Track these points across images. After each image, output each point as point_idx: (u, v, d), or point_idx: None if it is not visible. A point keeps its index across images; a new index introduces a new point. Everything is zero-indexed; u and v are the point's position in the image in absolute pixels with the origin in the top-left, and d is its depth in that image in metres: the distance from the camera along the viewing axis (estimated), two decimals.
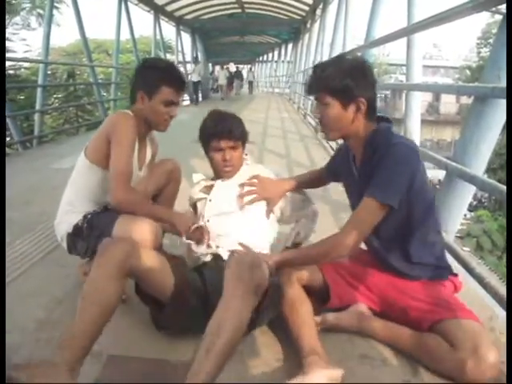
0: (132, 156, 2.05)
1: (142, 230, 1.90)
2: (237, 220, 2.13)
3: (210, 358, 1.37)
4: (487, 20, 28.95)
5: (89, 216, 2.11)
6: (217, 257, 2.01)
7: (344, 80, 1.71)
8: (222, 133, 2.13)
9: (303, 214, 2.35)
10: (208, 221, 2.12)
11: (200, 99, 20.21)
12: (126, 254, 1.56)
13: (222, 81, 22.39)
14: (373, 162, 1.74)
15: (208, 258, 2.03)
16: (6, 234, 2.60)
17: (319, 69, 1.81)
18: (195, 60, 19.02)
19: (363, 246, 2.11)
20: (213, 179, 2.28)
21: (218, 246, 2.03)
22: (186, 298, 1.77)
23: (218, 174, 2.24)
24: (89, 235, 2.06)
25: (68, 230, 2.11)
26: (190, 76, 17.78)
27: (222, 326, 1.42)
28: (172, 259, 1.85)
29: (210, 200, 2.20)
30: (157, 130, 2.21)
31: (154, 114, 2.10)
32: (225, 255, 1.98)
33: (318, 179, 2.35)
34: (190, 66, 19.43)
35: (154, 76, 2.06)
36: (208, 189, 2.25)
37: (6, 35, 18.19)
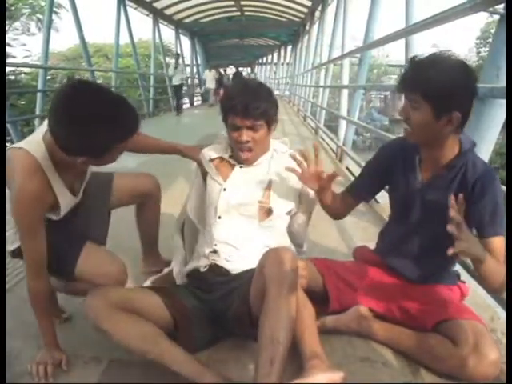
0: (38, 230, 1.62)
1: (109, 272, 1.81)
2: (252, 231, 1.91)
3: (276, 367, 1.37)
4: (486, 19, 28.89)
5: None
6: (214, 267, 1.89)
7: (445, 88, 1.52)
8: (237, 108, 1.80)
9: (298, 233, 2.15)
10: (220, 217, 1.92)
11: (195, 104, 19.35)
12: (106, 301, 1.55)
13: (210, 84, 18.87)
14: (467, 186, 1.65)
15: (204, 268, 1.90)
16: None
17: (419, 66, 1.58)
18: (176, 58, 15.24)
19: (371, 245, 2.13)
20: (232, 156, 2.00)
21: (227, 260, 1.87)
22: (189, 324, 1.74)
23: (237, 155, 1.96)
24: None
25: (11, 246, 1.82)
26: (169, 78, 15.10)
27: (278, 331, 1.42)
28: (159, 290, 1.80)
29: (225, 189, 1.93)
30: None
31: (104, 164, 1.62)
32: (235, 270, 1.85)
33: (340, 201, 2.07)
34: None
35: (99, 138, 1.43)
36: (223, 165, 2.00)
37: (6, 40, 18.23)
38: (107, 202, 2.08)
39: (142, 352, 1.53)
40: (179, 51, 19.40)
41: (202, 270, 1.91)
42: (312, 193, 2.01)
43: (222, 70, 22.70)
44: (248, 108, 1.78)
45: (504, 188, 1.74)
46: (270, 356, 1.38)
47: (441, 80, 1.52)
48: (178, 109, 14.92)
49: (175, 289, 1.91)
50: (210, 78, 18.88)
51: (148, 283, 2.09)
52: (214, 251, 1.90)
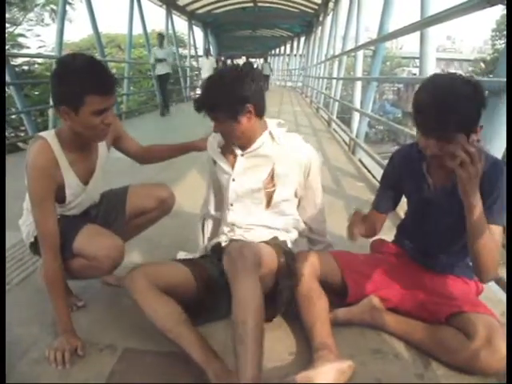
0: (48, 205, 1.78)
1: (104, 246, 1.84)
2: (261, 215, 1.99)
3: (249, 345, 1.44)
4: (502, 11, 28.55)
5: None
6: (234, 241, 1.98)
7: (473, 119, 1.51)
8: (198, 110, 1.87)
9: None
10: (232, 205, 2.01)
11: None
12: (146, 277, 1.70)
13: (207, 73, 12.88)
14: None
15: (224, 242, 2.02)
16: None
17: (441, 108, 1.49)
18: (161, 40, 11.09)
19: (386, 239, 2.15)
20: (234, 143, 1.98)
21: (242, 236, 1.98)
22: (213, 294, 1.89)
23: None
24: None
25: (29, 239, 1.96)
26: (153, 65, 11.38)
27: (242, 314, 1.49)
28: (189, 263, 1.92)
29: (234, 179, 1.98)
30: (94, 142, 1.92)
31: (86, 129, 1.74)
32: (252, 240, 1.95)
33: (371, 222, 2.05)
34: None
35: (73, 85, 1.64)
36: (229, 153, 2.01)
37: (21, 31, 18.31)
38: (122, 213, 2.15)
39: (163, 328, 1.65)
40: (198, 45, 18.26)
41: (224, 244, 2.02)
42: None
43: (227, 60, 21.45)
44: (199, 105, 1.85)
45: None
46: (240, 337, 1.47)
47: (472, 113, 1.50)
48: (165, 106, 11.55)
49: (203, 260, 2.03)
50: (206, 66, 15.02)
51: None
52: (231, 230, 2.02)
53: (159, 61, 10.73)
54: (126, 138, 2.16)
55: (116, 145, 2.12)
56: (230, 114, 1.84)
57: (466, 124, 1.50)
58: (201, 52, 22.03)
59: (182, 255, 2.17)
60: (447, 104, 1.49)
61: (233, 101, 1.81)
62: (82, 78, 1.65)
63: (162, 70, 10.87)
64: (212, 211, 2.17)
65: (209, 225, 2.21)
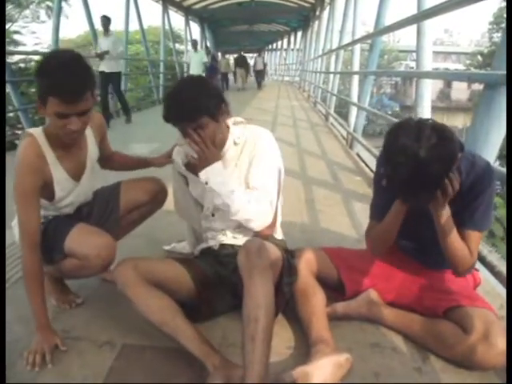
0: (32, 201, 1.76)
1: (95, 245, 1.81)
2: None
3: (258, 343, 1.43)
4: (499, 4, 28.51)
5: (41, 226, 1.87)
6: (225, 245, 2.00)
7: (454, 165, 1.45)
8: (174, 119, 1.76)
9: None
10: (213, 215, 1.99)
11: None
12: (135, 270, 1.67)
13: (196, 69, 12.50)
14: (461, 186, 1.56)
15: (215, 246, 2.01)
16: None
17: (420, 181, 1.43)
18: (106, 25, 8.24)
19: None
20: None
21: (234, 237, 1.99)
22: (211, 293, 1.88)
23: None
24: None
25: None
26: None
27: (255, 310, 1.48)
28: (183, 261, 1.91)
29: (207, 183, 1.83)
30: (64, 141, 1.81)
31: (53, 127, 1.74)
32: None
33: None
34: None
35: (42, 82, 1.65)
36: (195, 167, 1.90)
37: (17, 28, 18.29)
38: (116, 208, 2.16)
39: (159, 323, 1.63)
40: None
41: (215, 248, 2.02)
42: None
43: (218, 54, 20.98)
44: (179, 114, 1.74)
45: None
46: (251, 334, 1.45)
47: (444, 175, 1.45)
48: (109, 117, 8.37)
49: (197, 260, 2.01)
50: (195, 60, 12.76)
51: (168, 248, 2.50)
52: (223, 234, 2.01)
53: (105, 54, 8.00)
54: (107, 142, 2.18)
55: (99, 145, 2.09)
56: (212, 113, 1.75)
57: (444, 179, 1.46)
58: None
59: (168, 248, 2.18)
60: (422, 179, 1.43)
61: (212, 98, 1.75)
62: (49, 77, 1.61)
63: (107, 66, 8.09)
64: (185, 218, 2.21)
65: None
